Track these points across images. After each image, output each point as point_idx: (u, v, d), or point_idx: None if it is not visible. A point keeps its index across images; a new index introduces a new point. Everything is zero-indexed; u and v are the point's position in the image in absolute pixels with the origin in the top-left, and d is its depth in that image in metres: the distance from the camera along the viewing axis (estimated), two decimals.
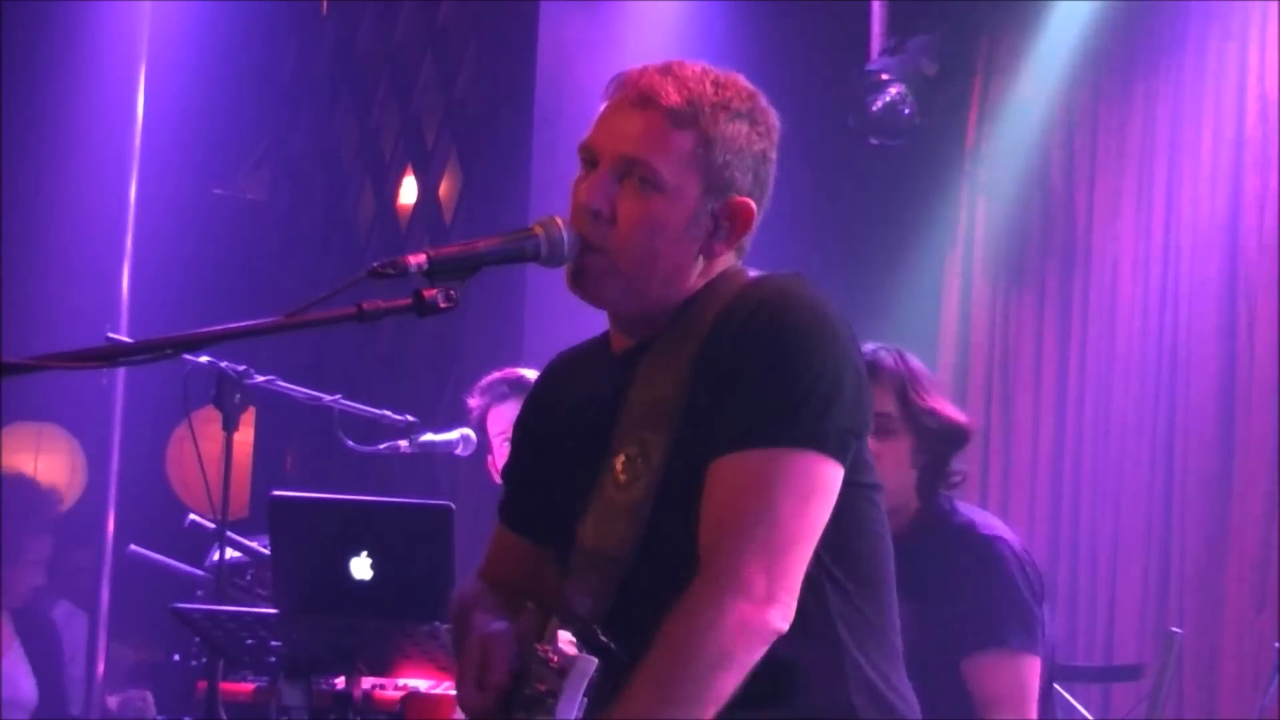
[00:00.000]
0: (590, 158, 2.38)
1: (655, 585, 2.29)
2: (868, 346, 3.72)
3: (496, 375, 5.12)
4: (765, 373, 2.26)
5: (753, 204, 2.38)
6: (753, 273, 2.40)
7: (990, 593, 3.56)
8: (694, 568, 2.27)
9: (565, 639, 2.28)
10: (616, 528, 2.32)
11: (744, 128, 2.37)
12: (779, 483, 2.22)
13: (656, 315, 2.39)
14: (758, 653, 2.20)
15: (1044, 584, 3.70)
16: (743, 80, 2.41)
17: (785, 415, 2.24)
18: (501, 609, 2.47)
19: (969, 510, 3.73)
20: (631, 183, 2.33)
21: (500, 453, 5.03)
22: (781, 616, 2.21)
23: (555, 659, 2.27)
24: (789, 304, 2.30)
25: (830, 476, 2.26)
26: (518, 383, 4.99)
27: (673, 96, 2.34)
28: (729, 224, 2.37)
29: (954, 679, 3.54)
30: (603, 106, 2.40)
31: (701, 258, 2.38)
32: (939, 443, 3.64)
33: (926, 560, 3.56)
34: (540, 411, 2.56)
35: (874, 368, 3.52)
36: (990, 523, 3.70)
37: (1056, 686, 3.96)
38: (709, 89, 2.36)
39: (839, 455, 2.26)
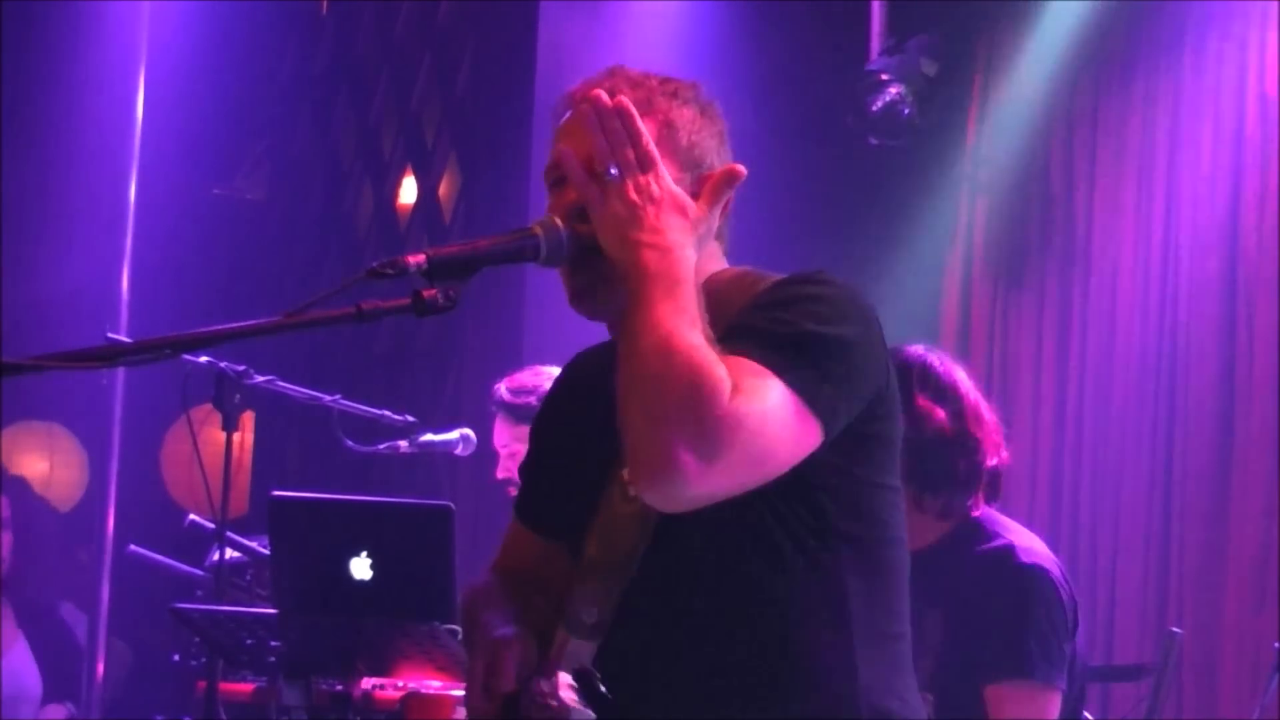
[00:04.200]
0: (556, 177, 2.40)
1: (658, 598, 2.30)
2: (915, 348, 3.67)
3: (498, 385, 5.09)
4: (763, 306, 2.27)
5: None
6: (766, 279, 2.37)
7: (1020, 624, 3.51)
8: (698, 582, 2.28)
9: (565, 682, 2.28)
10: (622, 539, 2.32)
11: (696, 112, 2.43)
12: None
13: None
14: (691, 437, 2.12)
15: (1079, 611, 3.66)
16: (681, 78, 2.47)
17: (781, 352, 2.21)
18: (513, 607, 2.47)
19: (1010, 532, 3.64)
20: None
21: (500, 465, 5.07)
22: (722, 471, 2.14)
23: (554, 705, 2.26)
24: (810, 277, 2.32)
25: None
26: (500, 403, 5.01)
27: (625, 91, 2.37)
28: None
29: (973, 699, 3.53)
30: (556, 127, 2.43)
31: None
32: (913, 453, 3.55)
33: (959, 577, 3.53)
34: (557, 411, 2.57)
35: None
36: (1032, 549, 3.61)
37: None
38: (655, 82, 2.42)
39: (819, 413, 2.21)
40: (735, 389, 2.13)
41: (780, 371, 2.18)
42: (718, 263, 2.43)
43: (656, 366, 2.14)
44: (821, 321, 2.23)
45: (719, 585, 2.30)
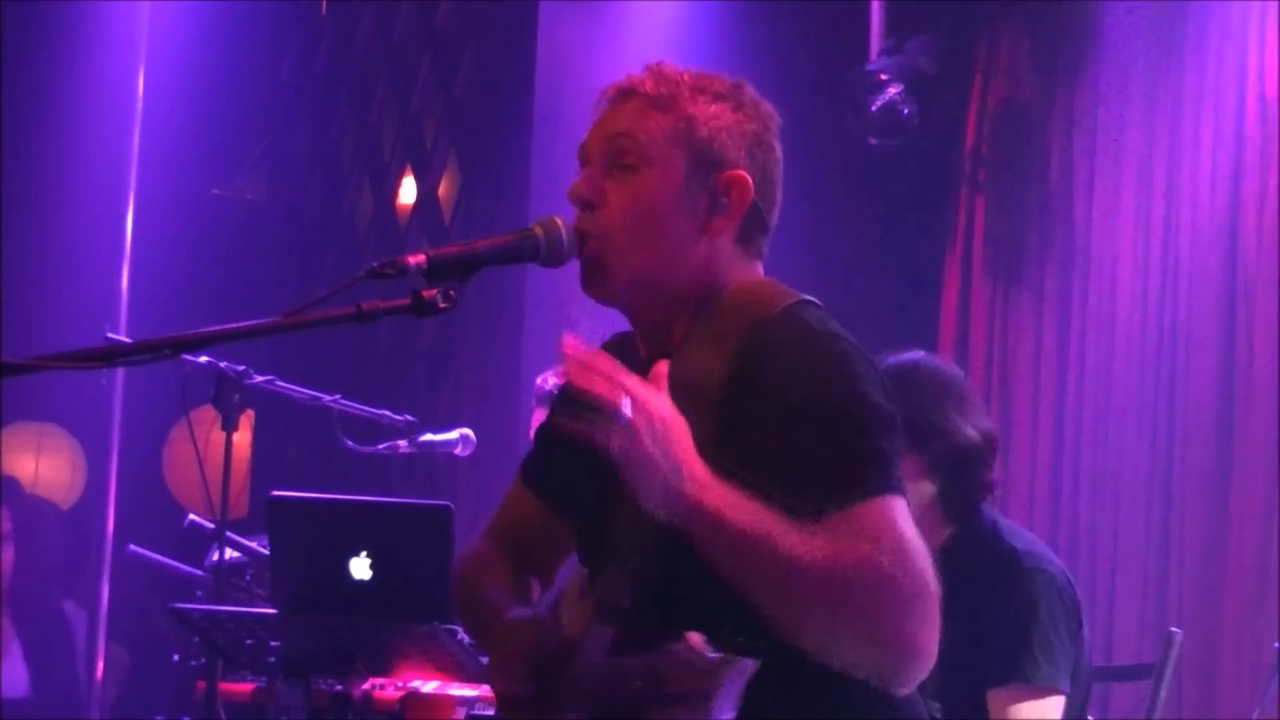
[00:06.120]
0: (584, 162, 2.42)
1: (676, 594, 2.28)
2: (907, 355, 3.67)
3: (548, 378, 5.07)
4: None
5: (747, 176, 2.38)
6: (779, 297, 2.36)
7: (1024, 626, 3.51)
8: (714, 587, 2.25)
9: (698, 640, 2.20)
10: (646, 533, 2.30)
11: (727, 108, 2.40)
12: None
13: (671, 310, 2.37)
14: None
15: (1081, 609, 3.66)
16: (726, 75, 2.45)
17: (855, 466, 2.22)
18: (513, 585, 2.48)
19: (1013, 534, 3.65)
20: (618, 169, 2.37)
21: None
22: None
23: (697, 661, 2.17)
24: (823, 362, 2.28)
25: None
26: (539, 391, 5.01)
27: (649, 85, 2.39)
28: (725, 199, 2.37)
29: (977, 704, 3.53)
30: (594, 121, 2.44)
31: (704, 237, 2.37)
32: (952, 463, 3.59)
33: (963, 582, 3.52)
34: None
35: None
36: (1035, 551, 3.62)
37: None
38: (687, 78, 2.41)
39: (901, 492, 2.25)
40: (883, 552, 2.13)
41: (872, 493, 2.18)
42: (742, 266, 2.41)
43: (829, 593, 2.13)
44: (865, 424, 2.22)
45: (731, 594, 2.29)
